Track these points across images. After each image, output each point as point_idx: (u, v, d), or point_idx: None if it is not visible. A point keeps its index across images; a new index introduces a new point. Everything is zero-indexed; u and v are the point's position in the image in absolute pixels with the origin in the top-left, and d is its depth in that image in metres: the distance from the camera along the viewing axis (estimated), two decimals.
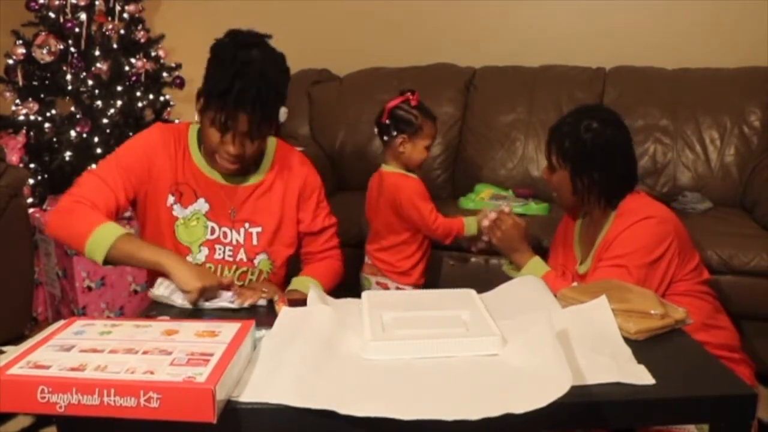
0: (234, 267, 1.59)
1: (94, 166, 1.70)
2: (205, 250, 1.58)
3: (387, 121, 2.03)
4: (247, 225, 1.59)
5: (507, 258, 1.92)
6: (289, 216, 1.64)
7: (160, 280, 1.39)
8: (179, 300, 1.36)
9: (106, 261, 1.42)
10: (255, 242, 1.60)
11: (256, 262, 1.61)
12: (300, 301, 1.27)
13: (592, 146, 1.68)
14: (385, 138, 2.06)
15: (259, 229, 1.60)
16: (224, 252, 1.58)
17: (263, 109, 1.45)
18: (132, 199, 1.55)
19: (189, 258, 1.55)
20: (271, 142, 1.64)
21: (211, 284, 1.37)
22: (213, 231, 1.58)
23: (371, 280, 2.14)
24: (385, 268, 2.12)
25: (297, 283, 1.62)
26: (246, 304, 1.37)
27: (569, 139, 1.70)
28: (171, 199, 1.56)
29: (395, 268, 2.11)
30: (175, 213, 1.56)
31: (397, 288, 2.09)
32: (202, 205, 1.57)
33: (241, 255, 1.59)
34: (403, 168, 2.07)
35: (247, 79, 1.41)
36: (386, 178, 2.08)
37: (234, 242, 1.59)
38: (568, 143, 1.70)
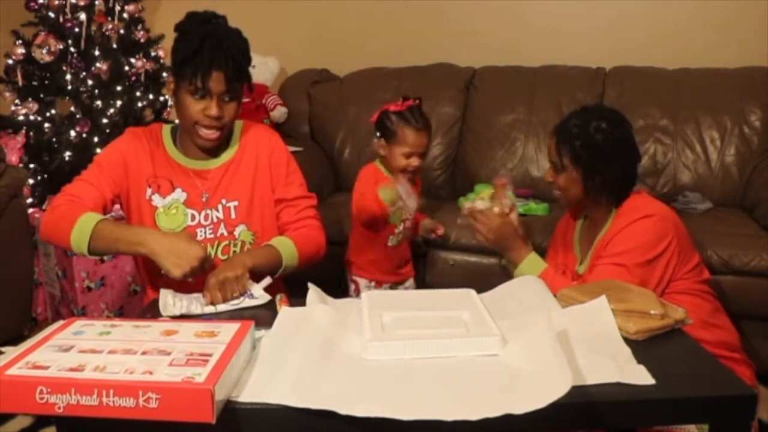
0: (216, 243, 1.63)
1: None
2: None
3: (375, 123, 2.06)
4: (224, 201, 1.65)
5: (504, 257, 1.91)
6: (262, 184, 1.69)
7: (162, 297, 1.36)
8: (198, 310, 1.33)
9: (91, 251, 1.47)
10: (233, 215, 1.65)
11: (236, 233, 1.65)
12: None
13: (604, 146, 1.69)
14: (374, 140, 2.08)
15: (235, 203, 1.65)
16: (206, 232, 1.63)
17: (235, 64, 1.52)
18: (116, 195, 1.61)
19: None
20: (237, 122, 1.70)
21: (193, 266, 1.37)
22: (193, 218, 1.63)
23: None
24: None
25: (273, 241, 1.63)
26: (218, 307, 1.35)
27: (580, 141, 1.70)
28: (149, 191, 1.62)
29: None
30: (154, 203, 1.62)
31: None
32: (179, 194, 1.63)
33: (222, 230, 1.64)
34: (388, 171, 2.07)
35: (215, 39, 1.51)
36: None
37: (215, 219, 1.64)
38: (579, 145, 1.70)
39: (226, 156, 1.68)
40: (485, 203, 1.85)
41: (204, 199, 1.64)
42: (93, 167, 1.62)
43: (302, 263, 1.63)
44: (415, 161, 2.02)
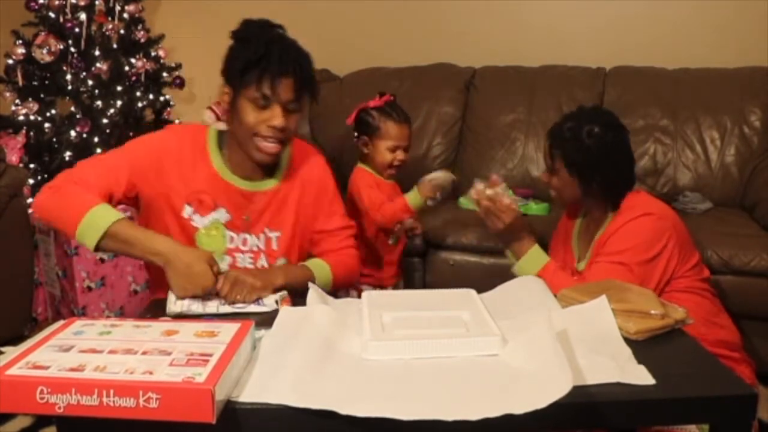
0: None
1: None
2: (227, 259, 1.53)
3: (353, 123, 2.07)
4: (267, 230, 1.56)
5: (506, 246, 1.89)
6: (306, 215, 1.60)
7: (169, 295, 1.34)
8: (199, 309, 1.31)
9: (98, 247, 1.34)
10: (275, 246, 1.56)
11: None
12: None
13: (596, 152, 1.69)
14: (354, 140, 2.08)
15: (278, 234, 1.57)
16: (245, 260, 1.54)
17: (303, 72, 1.43)
18: (131, 197, 1.48)
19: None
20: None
21: (196, 293, 1.32)
22: (232, 239, 1.53)
23: None
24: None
25: (309, 263, 1.57)
26: (219, 308, 1.32)
27: (572, 145, 1.70)
28: (188, 209, 1.49)
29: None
30: (194, 224, 1.50)
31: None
32: (222, 214, 1.52)
33: (262, 261, 1.55)
34: (375, 171, 2.08)
35: (282, 44, 1.42)
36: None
37: (254, 248, 1.55)
38: (571, 149, 1.71)
39: (276, 180, 1.56)
40: (494, 191, 1.78)
41: (245, 220, 1.53)
42: (116, 153, 1.48)
43: (334, 288, 1.58)
44: (400, 155, 2.03)
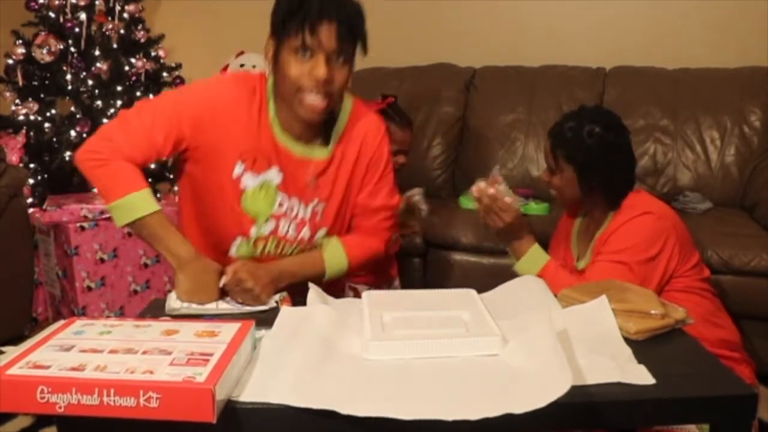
0: (295, 245, 1.50)
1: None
2: (271, 224, 1.47)
3: None
4: (315, 200, 1.48)
5: (506, 245, 1.88)
6: (354, 187, 1.52)
7: (170, 296, 1.34)
8: (199, 309, 1.31)
9: (125, 226, 1.35)
10: (320, 218, 1.50)
11: (315, 238, 1.51)
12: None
13: (597, 151, 1.69)
14: None
15: (324, 205, 1.49)
16: (288, 228, 1.47)
17: (348, 17, 1.32)
18: (181, 150, 1.41)
19: (253, 230, 1.46)
20: (346, 101, 1.50)
21: (200, 301, 1.32)
22: (281, 204, 1.45)
23: None
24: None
25: (327, 253, 1.51)
26: (219, 307, 1.32)
27: (573, 145, 1.70)
28: (240, 167, 1.41)
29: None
30: (243, 183, 1.42)
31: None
32: (274, 175, 1.43)
33: (304, 233, 1.49)
34: None
35: None
36: None
37: (299, 218, 1.48)
38: (572, 149, 1.71)
39: (330, 148, 1.47)
40: (495, 189, 1.77)
41: (311, 184, 1.45)
42: (170, 103, 1.39)
43: (351, 271, 1.55)
44: (401, 158, 2.02)
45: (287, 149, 1.44)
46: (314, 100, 1.34)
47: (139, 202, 1.34)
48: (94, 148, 1.37)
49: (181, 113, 1.38)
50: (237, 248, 1.49)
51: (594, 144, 1.69)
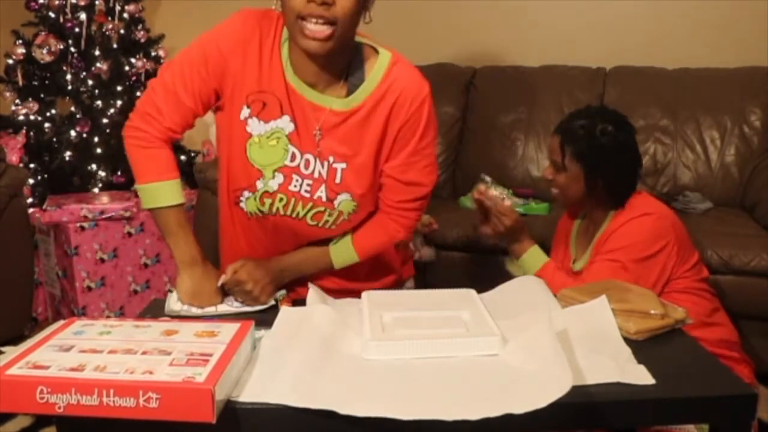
0: (309, 205, 1.36)
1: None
2: (279, 177, 1.35)
3: None
4: (331, 159, 1.33)
5: (505, 246, 1.89)
6: (384, 152, 1.35)
7: (170, 296, 1.35)
8: (198, 310, 1.32)
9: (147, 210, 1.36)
10: (338, 179, 1.34)
11: (336, 202, 1.36)
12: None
13: (610, 149, 1.70)
14: None
15: (344, 165, 1.33)
16: (301, 184, 1.34)
17: None
18: (212, 105, 1.36)
19: (260, 183, 1.35)
20: (384, 55, 1.36)
21: (200, 305, 1.32)
22: (294, 157, 1.33)
23: None
24: None
25: (336, 244, 1.44)
26: (218, 308, 1.32)
27: (585, 143, 1.70)
28: (246, 111, 1.31)
29: None
30: (249, 128, 1.32)
31: None
32: (286, 123, 1.31)
33: (321, 192, 1.35)
34: None
35: None
36: None
37: (316, 174, 1.34)
38: (584, 146, 1.71)
39: (355, 99, 1.30)
40: (498, 192, 1.82)
41: (316, 138, 1.31)
42: (194, 67, 1.31)
43: (363, 259, 1.46)
44: None
45: (299, 94, 1.31)
46: (315, 29, 1.19)
47: (165, 192, 1.34)
48: (137, 124, 1.36)
49: (200, 71, 1.32)
50: (246, 202, 1.41)
51: (607, 142, 1.70)
